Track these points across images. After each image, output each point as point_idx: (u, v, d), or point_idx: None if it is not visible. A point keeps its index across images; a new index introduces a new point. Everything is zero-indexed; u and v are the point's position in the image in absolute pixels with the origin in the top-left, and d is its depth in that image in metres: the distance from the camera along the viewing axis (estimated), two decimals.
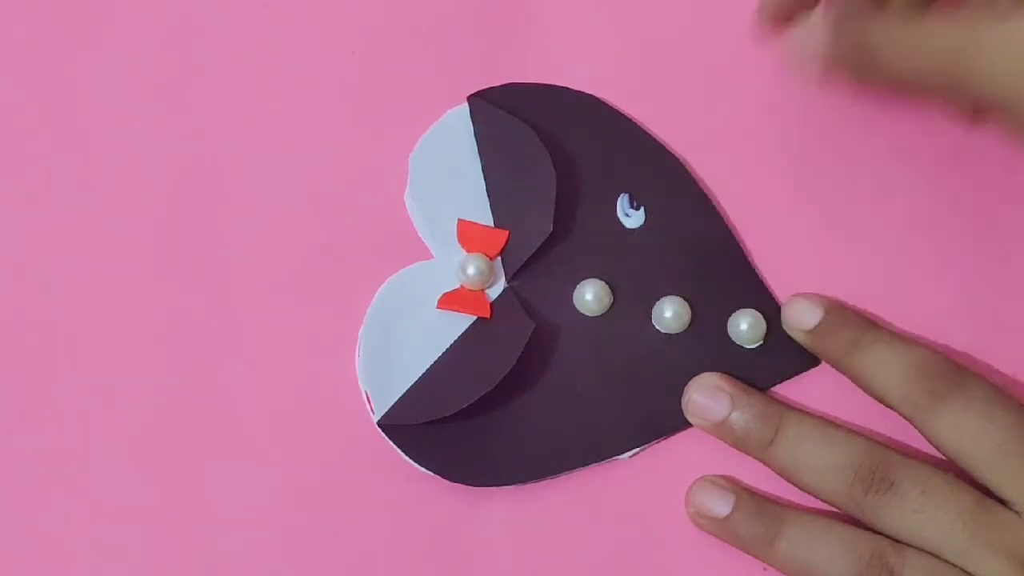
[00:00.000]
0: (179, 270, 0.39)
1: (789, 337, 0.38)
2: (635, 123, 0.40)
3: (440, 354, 0.38)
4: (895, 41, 0.33)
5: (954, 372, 0.35)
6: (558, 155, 0.38)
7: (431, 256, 0.39)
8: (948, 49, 0.32)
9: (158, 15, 0.40)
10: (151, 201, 0.39)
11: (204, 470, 0.37)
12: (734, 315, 0.38)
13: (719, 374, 0.37)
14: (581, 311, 0.38)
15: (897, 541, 0.35)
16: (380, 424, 0.37)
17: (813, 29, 0.36)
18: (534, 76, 0.40)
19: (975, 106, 0.35)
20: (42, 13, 0.40)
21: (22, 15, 0.40)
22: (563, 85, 0.40)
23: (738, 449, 0.37)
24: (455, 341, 0.38)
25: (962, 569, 0.34)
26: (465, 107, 0.39)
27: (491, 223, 0.38)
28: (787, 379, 0.38)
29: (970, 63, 0.32)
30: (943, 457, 0.36)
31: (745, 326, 0.38)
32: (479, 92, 0.39)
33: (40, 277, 0.39)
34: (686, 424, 0.38)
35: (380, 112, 0.40)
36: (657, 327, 0.38)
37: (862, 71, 0.35)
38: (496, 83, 0.40)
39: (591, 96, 0.40)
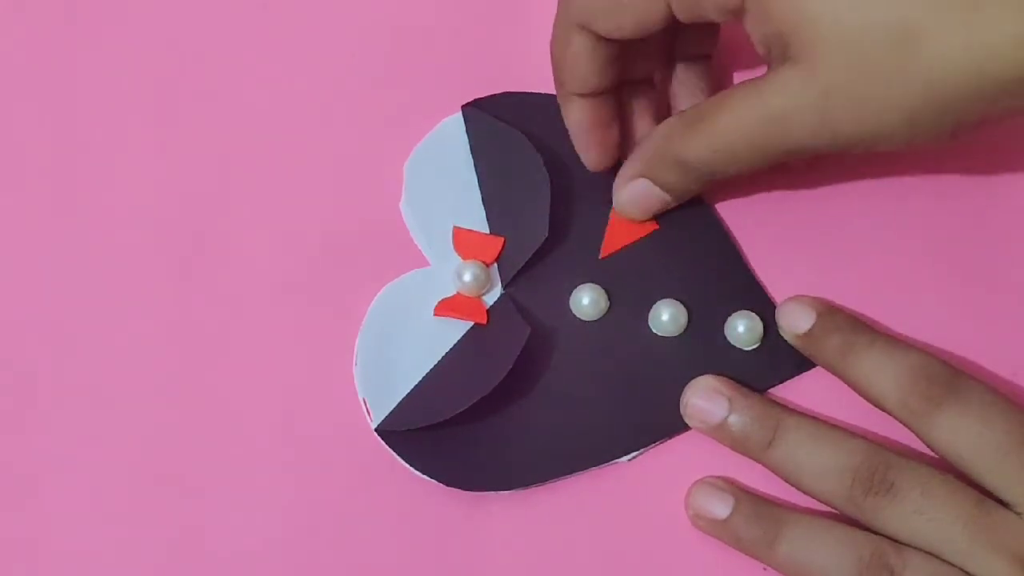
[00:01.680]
0: (177, 277, 0.39)
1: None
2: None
3: (437, 361, 0.38)
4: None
5: (950, 376, 0.35)
6: (552, 162, 0.38)
7: (427, 263, 0.39)
8: (753, 128, 0.34)
9: (156, 17, 0.41)
10: (148, 207, 0.39)
11: (203, 478, 0.38)
12: (731, 318, 0.38)
13: (717, 376, 0.37)
14: (578, 316, 0.38)
15: (897, 542, 0.35)
16: (378, 431, 0.37)
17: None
18: (530, 85, 0.40)
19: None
20: (42, 13, 0.41)
21: (22, 15, 0.41)
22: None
23: (737, 451, 0.37)
24: (452, 347, 0.38)
25: (962, 570, 0.34)
26: (459, 116, 0.39)
27: (487, 230, 0.39)
28: (785, 381, 0.38)
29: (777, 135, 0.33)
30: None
31: (742, 328, 0.38)
32: (473, 101, 0.40)
33: (39, 278, 0.39)
34: (685, 427, 0.37)
35: (376, 122, 0.40)
36: (654, 331, 0.38)
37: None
38: (492, 92, 0.40)
39: None
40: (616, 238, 0.39)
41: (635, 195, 0.37)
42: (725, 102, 0.34)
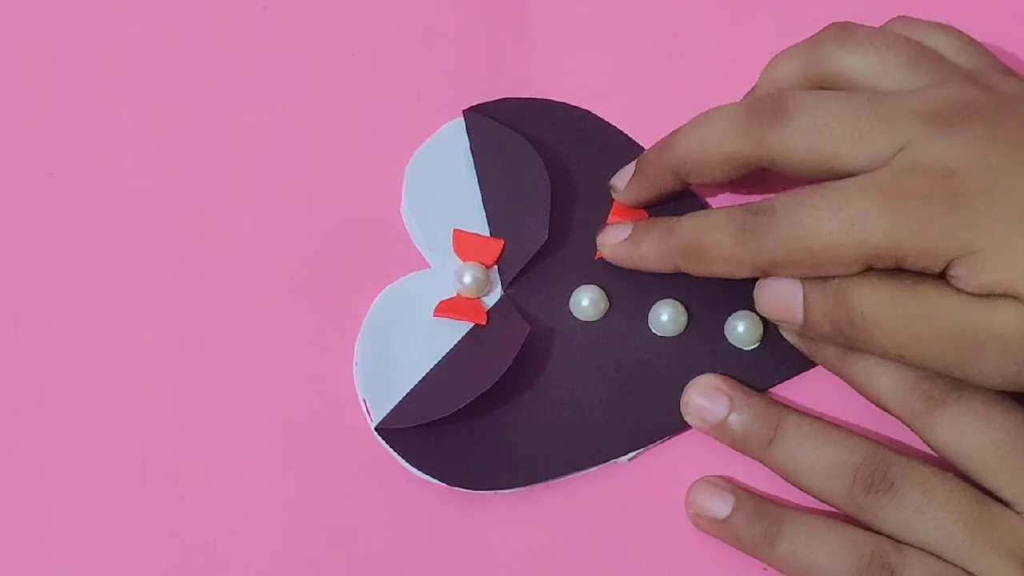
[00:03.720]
0: (177, 278, 0.39)
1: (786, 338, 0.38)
2: (629, 137, 0.40)
3: (437, 361, 0.38)
4: (885, 313, 0.33)
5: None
6: (553, 165, 0.39)
7: (428, 265, 0.39)
8: (957, 333, 0.32)
9: (156, 17, 0.41)
10: (148, 207, 0.40)
11: (202, 478, 0.38)
12: (731, 317, 0.38)
13: (718, 375, 0.37)
14: (578, 317, 0.38)
15: (897, 541, 0.35)
16: (378, 430, 0.37)
17: (786, 291, 0.35)
18: (530, 90, 0.41)
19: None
20: (42, 13, 0.41)
21: (23, 15, 0.41)
22: (558, 100, 0.41)
23: (737, 450, 0.37)
24: (452, 348, 0.38)
25: (963, 569, 0.34)
26: (460, 120, 0.40)
27: (487, 233, 0.39)
28: (785, 380, 0.38)
29: (978, 354, 0.32)
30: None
31: (742, 328, 0.38)
32: (475, 106, 0.40)
33: (39, 278, 0.39)
34: (685, 426, 0.37)
35: (377, 125, 0.40)
36: (654, 331, 0.38)
37: (840, 338, 0.34)
38: (493, 97, 0.40)
39: (585, 111, 0.40)
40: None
41: (778, 290, 0.36)
42: (923, 288, 0.33)
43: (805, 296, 0.35)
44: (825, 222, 0.33)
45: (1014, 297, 0.32)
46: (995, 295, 0.32)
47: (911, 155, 0.33)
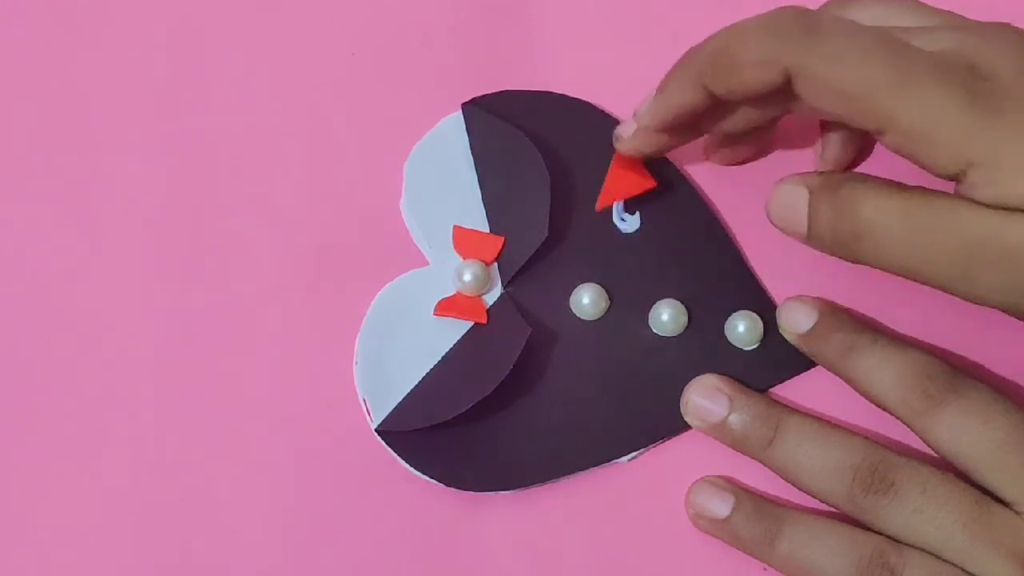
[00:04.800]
0: (176, 277, 0.39)
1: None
2: None
3: (437, 360, 0.38)
4: (892, 222, 0.32)
5: (950, 375, 0.35)
6: (553, 161, 0.38)
7: (427, 263, 0.39)
8: (967, 244, 0.32)
9: (156, 17, 0.41)
10: (148, 206, 0.39)
11: (202, 478, 0.38)
12: (731, 317, 0.38)
13: (718, 375, 0.38)
14: (578, 315, 0.38)
15: (897, 541, 0.35)
16: (378, 431, 0.37)
17: (792, 197, 0.35)
18: (530, 83, 0.40)
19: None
20: (42, 13, 0.41)
21: (23, 15, 0.41)
22: (558, 92, 0.40)
23: (737, 450, 0.37)
24: (452, 347, 0.38)
25: (962, 569, 0.34)
26: (459, 115, 0.39)
27: (487, 230, 0.39)
28: (785, 380, 0.38)
29: (988, 266, 0.32)
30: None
31: (743, 328, 0.38)
32: (473, 100, 0.40)
33: (39, 278, 0.39)
34: (685, 426, 0.38)
35: (376, 121, 0.40)
36: (654, 330, 0.38)
37: (844, 249, 0.34)
38: (492, 89, 0.40)
39: (585, 103, 0.40)
40: (614, 191, 0.38)
41: (786, 197, 0.35)
42: (935, 199, 0.32)
43: (810, 204, 0.34)
44: (872, 69, 0.31)
45: None
46: (1012, 208, 0.31)
47: (956, 53, 0.32)
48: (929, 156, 0.32)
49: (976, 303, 0.33)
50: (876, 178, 0.33)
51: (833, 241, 0.34)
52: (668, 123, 0.36)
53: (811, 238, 0.34)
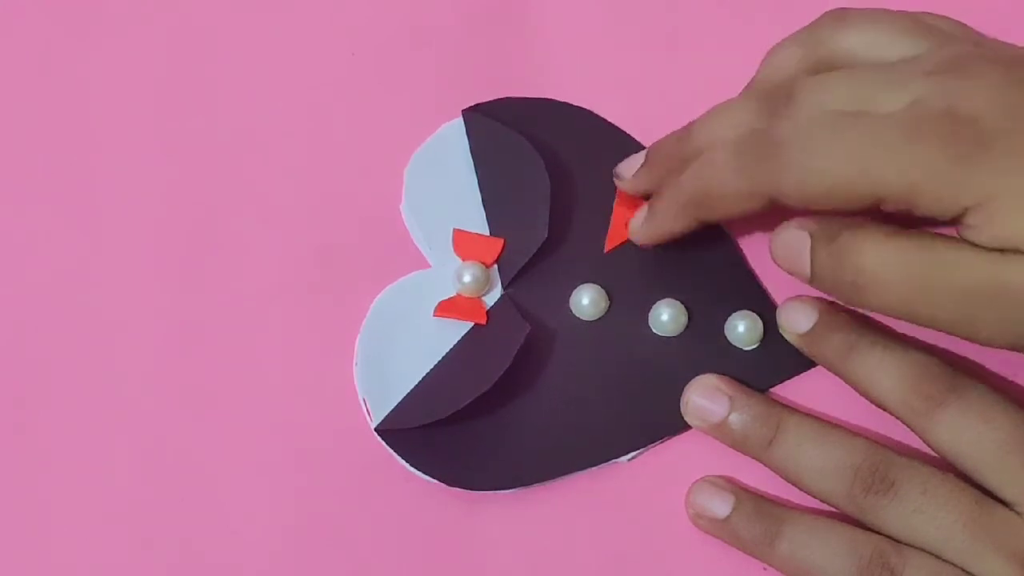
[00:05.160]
0: (177, 278, 0.39)
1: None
2: (629, 136, 0.40)
3: (437, 361, 0.38)
4: (891, 270, 0.32)
5: (951, 375, 0.35)
6: (552, 164, 0.39)
7: (428, 265, 0.39)
8: (968, 288, 0.32)
9: (157, 17, 0.41)
10: (148, 207, 0.40)
11: (202, 478, 0.38)
12: (731, 317, 0.38)
13: (718, 375, 0.37)
14: (578, 316, 0.38)
15: (897, 541, 0.35)
16: (378, 430, 0.37)
17: (795, 241, 0.35)
18: (530, 91, 0.40)
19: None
20: (42, 14, 0.41)
21: (22, 15, 0.41)
22: (558, 98, 0.40)
23: (737, 450, 0.37)
24: (452, 348, 0.38)
25: (963, 569, 0.34)
26: (459, 120, 0.40)
27: (487, 232, 0.39)
28: (785, 380, 0.38)
29: (989, 309, 0.32)
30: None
31: (742, 328, 0.38)
32: (474, 106, 0.40)
33: (39, 279, 0.39)
34: (685, 426, 0.37)
35: (377, 126, 0.40)
36: (654, 331, 0.38)
37: (846, 296, 0.34)
38: (492, 97, 0.40)
39: (584, 110, 0.40)
40: (620, 231, 0.39)
41: (788, 242, 0.35)
42: (933, 245, 0.32)
43: (811, 251, 0.34)
44: (840, 159, 0.32)
45: None
46: (1009, 249, 0.31)
47: (930, 99, 0.32)
48: (927, 209, 0.32)
49: (983, 345, 0.33)
50: (874, 224, 0.33)
51: (835, 289, 0.34)
52: (660, 243, 0.38)
53: (814, 282, 0.35)
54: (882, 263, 0.32)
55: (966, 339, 0.33)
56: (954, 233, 0.32)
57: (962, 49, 0.34)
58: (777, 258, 0.35)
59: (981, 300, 0.31)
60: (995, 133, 0.31)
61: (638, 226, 0.38)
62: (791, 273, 0.35)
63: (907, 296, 0.32)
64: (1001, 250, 0.31)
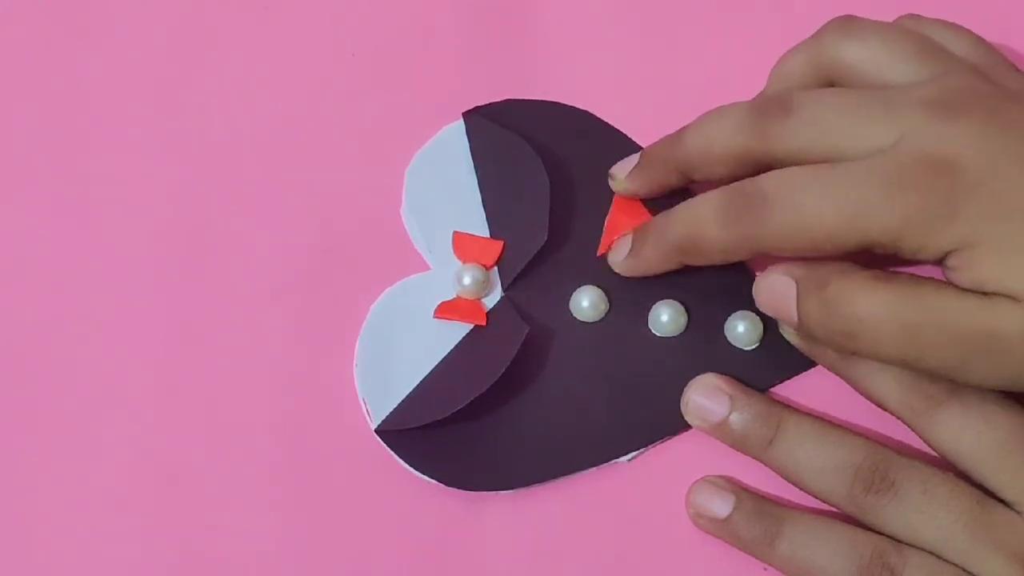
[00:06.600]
0: (177, 279, 0.39)
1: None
2: (628, 138, 0.40)
3: (437, 362, 0.38)
4: (882, 318, 0.33)
5: None
6: (553, 166, 0.39)
7: (428, 267, 0.39)
8: (957, 334, 0.32)
9: (157, 17, 0.41)
10: (148, 207, 0.40)
11: (202, 478, 0.38)
12: (731, 317, 0.38)
13: (718, 375, 0.37)
14: (578, 318, 0.38)
15: (898, 541, 0.35)
16: (378, 431, 0.37)
17: (780, 287, 0.35)
18: (530, 92, 0.41)
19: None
20: (43, 13, 0.41)
21: (22, 15, 0.41)
22: (558, 101, 0.41)
23: (737, 450, 0.37)
24: (452, 350, 0.38)
25: (963, 569, 0.34)
26: (460, 123, 0.40)
27: (487, 235, 0.39)
28: (785, 380, 0.38)
29: (979, 354, 0.32)
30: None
31: (742, 328, 0.38)
32: (475, 108, 0.40)
33: (39, 278, 0.39)
34: (685, 426, 0.37)
35: (378, 128, 0.40)
36: (654, 332, 0.38)
37: (836, 344, 0.34)
38: (493, 98, 0.40)
39: (585, 112, 0.40)
40: (615, 234, 0.39)
41: (773, 289, 0.35)
42: (922, 290, 0.33)
43: (798, 299, 0.34)
44: (827, 213, 0.33)
45: (1012, 297, 0.31)
46: (993, 294, 0.32)
47: (913, 143, 0.32)
48: (911, 253, 0.33)
49: (975, 386, 0.33)
50: (863, 271, 0.34)
51: (826, 338, 0.34)
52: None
53: (801, 330, 0.35)
54: (874, 313, 0.33)
55: (961, 383, 0.33)
56: (940, 274, 0.33)
57: (959, 83, 0.34)
58: (761, 303, 0.36)
59: (970, 346, 0.32)
60: (976, 180, 0.32)
61: (620, 260, 0.38)
62: (776, 317, 0.36)
63: (900, 345, 0.32)
64: (985, 293, 0.32)
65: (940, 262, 0.32)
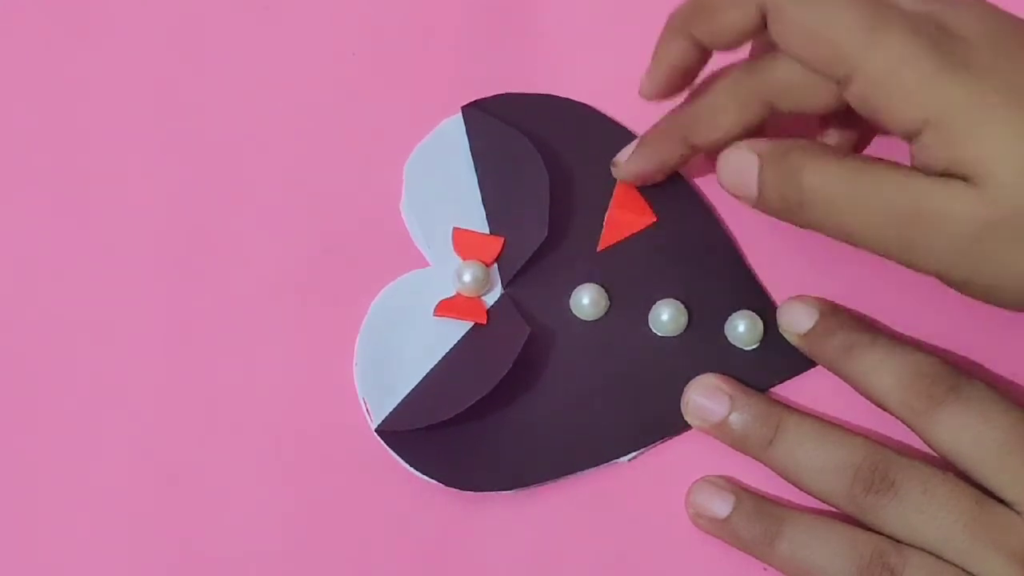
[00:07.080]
0: (177, 277, 0.39)
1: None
2: (630, 132, 0.40)
3: (437, 361, 0.38)
4: (834, 188, 0.33)
5: (951, 375, 0.35)
6: (552, 162, 0.39)
7: (427, 264, 0.39)
8: (906, 212, 0.32)
9: (156, 17, 0.41)
10: (149, 207, 0.40)
11: (202, 478, 0.38)
12: (731, 317, 0.38)
13: (718, 375, 0.38)
14: (578, 316, 0.38)
15: (897, 541, 0.35)
16: (378, 431, 0.37)
17: (742, 163, 0.35)
18: (530, 85, 0.40)
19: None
20: (43, 13, 0.41)
21: (22, 15, 0.41)
22: (558, 94, 0.40)
23: (737, 450, 0.37)
24: (452, 348, 0.38)
25: (963, 569, 0.34)
26: (459, 117, 0.40)
27: (487, 231, 0.39)
28: (786, 380, 0.38)
29: (922, 232, 0.32)
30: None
31: (743, 328, 0.38)
32: (473, 102, 0.40)
33: (39, 278, 0.39)
34: (685, 426, 0.38)
35: (376, 122, 0.40)
36: (654, 331, 0.38)
37: (790, 215, 0.34)
38: (493, 90, 0.40)
39: (585, 106, 0.40)
40: (615, 231, 0.39)
41: (736, 163, 0.35)
42: (875, 166, 0.33)
43: (759, 170, 0.34)
44: (833, 20, 0.32)
45: (968, 179, 0.31)
46: (948, 175, 0.32)
47: (929, 13, 0.33)
48: (890, 109, 0.32)
49: (913, 270, 0.33)
50: (823, 145, 0.34)
51: (781, 207, 0.34)
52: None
53: (760, 203, 0.35)
54: (826, 182, 0.33)
55: (900, 263, 0.33)
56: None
57: None
58: (723, 179, 0.36)
59: (914, 223, 0.32)
60: (977, 56, 0.32)
61: (624, 160, 0.38)
62: (735, 195, 0.36)
63: (847, 216, 0.33)
64: (945, 175, 0.32)
65: (911, 138, 0.32)
